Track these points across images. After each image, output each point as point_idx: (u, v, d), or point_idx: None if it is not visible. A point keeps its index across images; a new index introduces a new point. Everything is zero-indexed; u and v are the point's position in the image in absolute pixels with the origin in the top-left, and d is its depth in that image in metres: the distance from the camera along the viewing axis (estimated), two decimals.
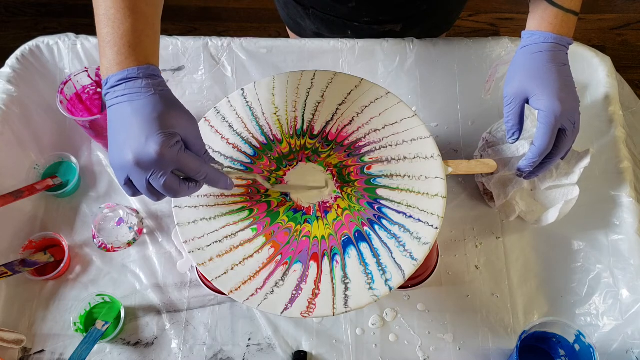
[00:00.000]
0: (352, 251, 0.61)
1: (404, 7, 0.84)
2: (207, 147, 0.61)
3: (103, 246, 0.75)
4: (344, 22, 0.87)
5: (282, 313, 0.58)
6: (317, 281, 0.59)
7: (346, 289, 0.59)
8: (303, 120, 0.69)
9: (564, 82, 0.63)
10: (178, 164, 0.54)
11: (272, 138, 0.68)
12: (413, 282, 0.70)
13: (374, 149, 0.67)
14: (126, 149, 0.53)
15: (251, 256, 0.61)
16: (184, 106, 0.57)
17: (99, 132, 0.76)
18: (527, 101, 0.64)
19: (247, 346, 0.70)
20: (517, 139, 0.67)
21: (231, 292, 0.59)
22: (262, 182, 0.64)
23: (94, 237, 0.76)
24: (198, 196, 0.64)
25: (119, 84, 0.55)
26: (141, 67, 0.55)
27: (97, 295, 0.71)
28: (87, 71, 0.77)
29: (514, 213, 0.73)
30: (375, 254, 0.60)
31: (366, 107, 0.69)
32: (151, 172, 0.53)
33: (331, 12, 0.85)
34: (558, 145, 0.64)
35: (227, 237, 0.62)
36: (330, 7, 0.84)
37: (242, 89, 0.71)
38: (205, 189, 0.64)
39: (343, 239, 0.62)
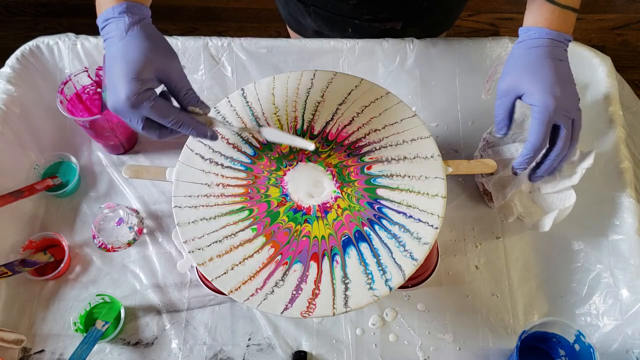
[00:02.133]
0: (352, 251, 0.61)
1: (404, 4, 0.83)
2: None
3: (103, 246, 0.75)
4: (345, 20, 0.87)
5: (282, 313, 0.58)
6: (317, 281, 0.59)
7: (346, 289, 0.59)
8: (303, 120, 0.69)
9: (560, 77, 0.62)
10: (148, 112, 0.55)
11: None
12: (413, 282, 0.70)
13: (374, 149, 0.67)
14: (109, 94, 0.56)
15: (251, 256, 0.61)
16: (163, 43, 0.58)
17: (99, 132, 0.76)
18: (520, 97, 0.63)
19: (247, 346, 0.70)
20: (506, 133, 0.66)
21: (231, 292, 0.59)
22: (251, 130, 0.65)
23: (94, 237, 0.76)
24: (198, 196, 0.64)
25: (106, 24, 0.57)
26: (121, 4, 0.56)
27: (97, 295, 0.71)
28: (87, 71, 0.77)
29: (513, 214, 0.73)
30: (375, 254, 0.60)
31: (366, 107, 0.69)
32: (128, 118, 0.56)
33: (332, 9, 0.85)
34: (555, 141, 0.63)
35: (227, 237, 0.62)
36: (331, 5, 0.84)
37: (242, 89, 0.71)
38: (206, 188, 0.65)
39: (343, 239, 0.62)
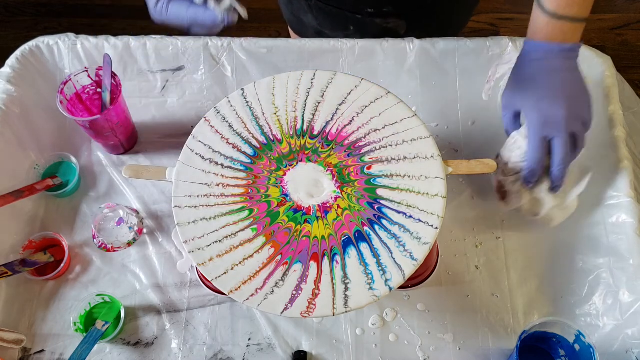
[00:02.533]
0: (352, 251, 0.61)
1: None
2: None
3: (103, 246, 0.75)
4: (347, 16, 0.86)
5: (282, 313, 0.58)
6: (317, 281, 0.59)
7: (346, 289, 0.59)
8: (303, 120, 0.69)
9: (549, 91, 0.63)
10: (169, 21, 0.56)
11: (272, 138, 0.68)
12: (413, 282, 0.70)
13: (374, 149, 0.67)
14: None
15: (251, 256, 0.61)
16: None
17: (99, 132, 0.76)
18: (519, 111, 0.67)
19: (247, 346, 0.70)
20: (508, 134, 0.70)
21: (231, 292, 0.59)
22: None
23: (94, 237, 0.76)
24: (198, 196, 0.64)
25: None
26: None
27: (97, 295, 0.71)
28: (87, 71, 0.77)
29: (542, 208, 0.71)
30: (375, 254, 0.60)
31: (366, 107, 0.69)
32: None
33: (333, 2, 0.85)
34: (552, 152, 0.65)
35: (227, 237, 0.62)
36: None
37: (242, 89, 0.71)
38: (206, 188, 0.65)
39: (343, 239, 0.62)
